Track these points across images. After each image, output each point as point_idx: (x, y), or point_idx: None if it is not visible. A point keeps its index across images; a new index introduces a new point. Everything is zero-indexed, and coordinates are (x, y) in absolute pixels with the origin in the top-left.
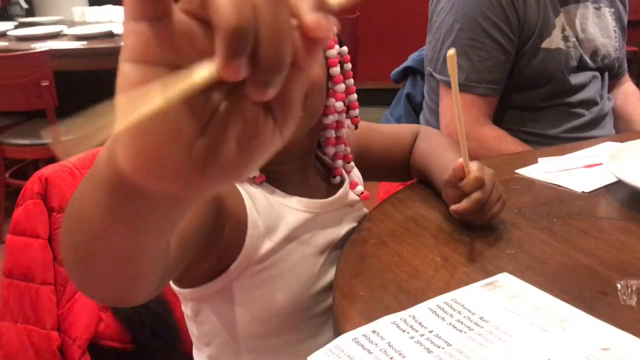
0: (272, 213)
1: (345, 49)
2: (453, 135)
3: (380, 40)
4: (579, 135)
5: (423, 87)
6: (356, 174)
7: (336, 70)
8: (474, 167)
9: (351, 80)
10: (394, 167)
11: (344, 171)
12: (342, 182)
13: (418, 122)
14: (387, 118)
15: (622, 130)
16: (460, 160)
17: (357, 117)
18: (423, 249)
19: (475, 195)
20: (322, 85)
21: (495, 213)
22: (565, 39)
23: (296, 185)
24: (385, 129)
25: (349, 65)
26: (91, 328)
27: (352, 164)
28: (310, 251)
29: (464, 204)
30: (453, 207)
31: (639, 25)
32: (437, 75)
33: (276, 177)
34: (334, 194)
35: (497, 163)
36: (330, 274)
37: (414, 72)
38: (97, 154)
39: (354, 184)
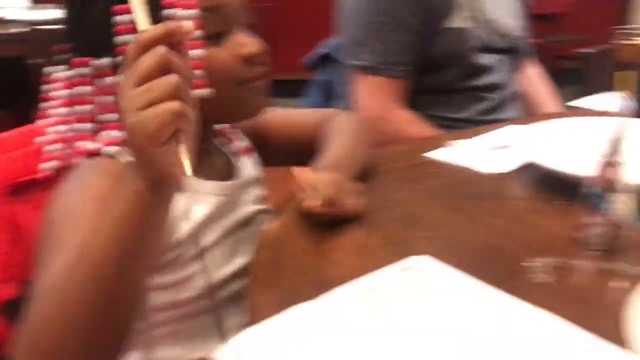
0: (186, 201)
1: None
2: (368, 119)
3: (292, 30)
4: (487, 118)
5: (339, 73)
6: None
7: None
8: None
9: None
10: (301, 151)
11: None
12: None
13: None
14: (303, 106)
15: (529, 113)
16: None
17: None
18: (340, 235)
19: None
20: None
21: (351, 209)
22: (471, 19)
23: (203, 168)
24: (291, 115)
25: None
26: None
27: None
28: (221, 233)
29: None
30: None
31: (543, 19)
32: (349, 61)
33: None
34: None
35: (406, 147)
36: (239, 258)
37: (330, 59)
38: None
39: (243, 149)
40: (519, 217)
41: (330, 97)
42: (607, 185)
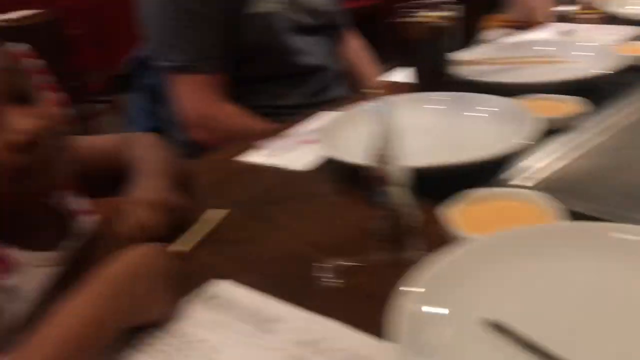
0: (19, 280)
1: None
2: (194, 119)
3: (120, 24)
4: (313, 101)
5: (159, 76)
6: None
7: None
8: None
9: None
10: (111, 176)
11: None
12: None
13: (158, 113)
14: (131, 112)
15: (354, 88)
16: None
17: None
18: None
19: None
20: None
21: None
22: (276, 1)
23: (35, 236)
24: (91, 142)
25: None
26: None
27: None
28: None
29: None
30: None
31: None
32: (163, 63)
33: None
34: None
35: (219, 154)
36: None
37: (149, 61)
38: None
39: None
40: (322, 216)
41: (156, 100)
42: (381, 178)
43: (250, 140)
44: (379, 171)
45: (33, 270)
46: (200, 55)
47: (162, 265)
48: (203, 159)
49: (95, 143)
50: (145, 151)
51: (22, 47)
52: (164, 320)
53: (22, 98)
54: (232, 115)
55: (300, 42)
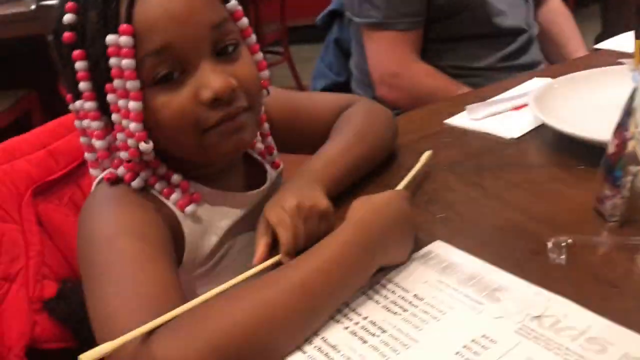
0: (209, 215)
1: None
2: (384, 77)
3: None
4: (508, 64)
5: (350, 30)
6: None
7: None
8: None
9: (253, 38)
10: (314, 140)
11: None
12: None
13: (348, 68)
14: (319, 65)
15: (550, 54)
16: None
17: (267, 79)
18: None
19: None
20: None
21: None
22: None
23: (226, 178)
24: (309, 103)
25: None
26: (26, 335)
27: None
28: (247, 242)
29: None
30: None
31: None
32: (356, 19)
33: (210, 175)
34: (260, 179)
35: (426, 114)
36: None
37: (341, 15)
38: None
39: (277, 164)
40: (539, 188)
41: (345, 55)
42: (621, 157)
43: (439, 101)
44: (620, 148)
45: (222, 208)
46: (396, 12)
47: (405, 210)
48: (407, 118)
49: (307, 102)
50: (344, 130)
51: (233, 4)
52: (400, 262)
53: (223, 54)
54: (423, 75)
55: (500, 1)
